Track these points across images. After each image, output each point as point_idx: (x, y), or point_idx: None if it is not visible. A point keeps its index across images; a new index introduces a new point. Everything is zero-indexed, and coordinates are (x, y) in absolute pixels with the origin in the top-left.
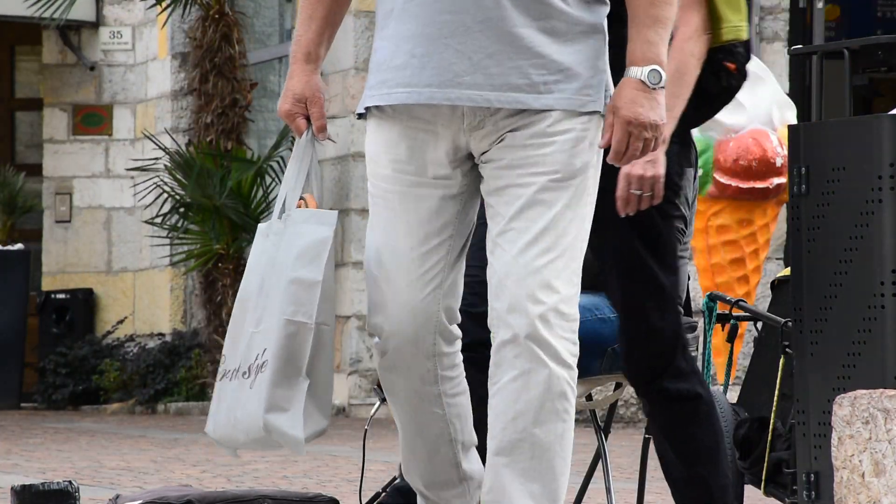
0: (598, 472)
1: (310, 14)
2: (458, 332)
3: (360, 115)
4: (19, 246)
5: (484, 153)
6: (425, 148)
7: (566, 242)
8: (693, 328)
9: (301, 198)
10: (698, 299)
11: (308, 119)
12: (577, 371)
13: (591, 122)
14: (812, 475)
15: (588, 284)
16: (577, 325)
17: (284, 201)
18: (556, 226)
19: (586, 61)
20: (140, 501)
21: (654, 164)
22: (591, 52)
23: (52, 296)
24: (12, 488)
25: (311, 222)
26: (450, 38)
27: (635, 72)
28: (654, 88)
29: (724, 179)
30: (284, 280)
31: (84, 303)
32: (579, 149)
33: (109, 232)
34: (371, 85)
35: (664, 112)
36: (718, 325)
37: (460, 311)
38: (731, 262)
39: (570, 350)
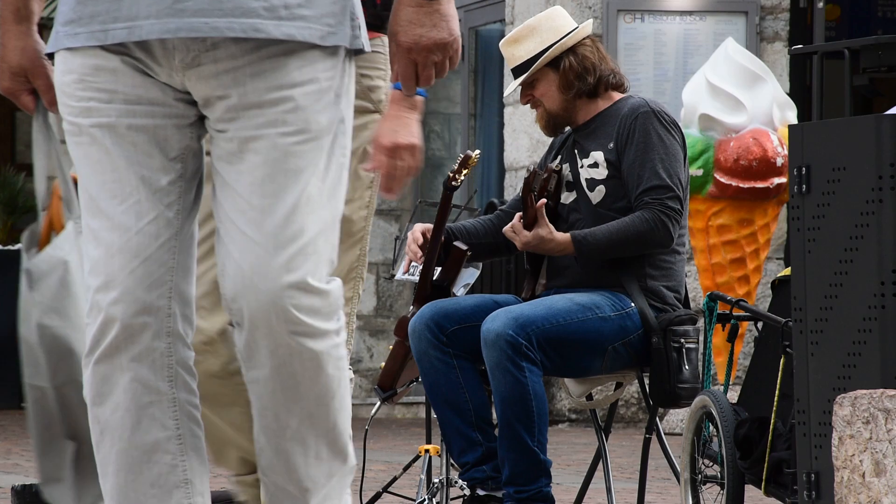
0: (599, 472)
1: None
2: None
3: (50, 55)
4: (19, 246)
5: (207, 104)
6: (140, 76)
7: (319, 217)
8: (693, 321)
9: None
10: (699, 299)
11: (36, 93)
12: (343, 328)
13: (337, 69)
14: (812, 475)
15: (588, 283)
16: (339, 302)
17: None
18: (307, 199)
19: None
20: None
21: (409, 133)
22: None
23: None
24: (12, 488)
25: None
26: None
27: None
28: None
29: (724, 179)
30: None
31: None
32: (325, 102)
33: None
34: (73, 19)
35: (454, 24)
36: (719, 325)
37: None
38: (731, 261)
39: (332, 327)
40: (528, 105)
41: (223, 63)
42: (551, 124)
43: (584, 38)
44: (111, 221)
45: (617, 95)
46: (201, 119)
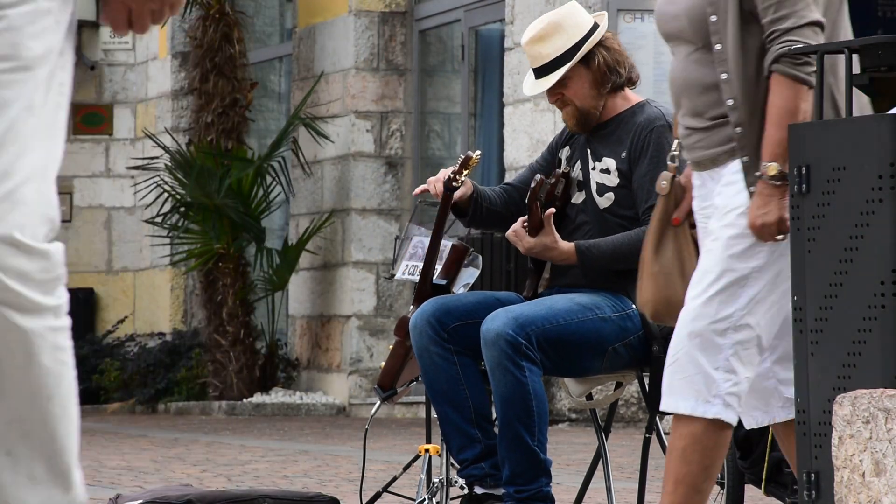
0: (599, 472)
1: None
2: None
3: None
4: None
5: None
6: None
7: (32, 161)
8: None
9: None
10: None
11: None
12: (65, 309)
13: None
14: (812, 475)
15: (590, 284)
16: (60, 272)
17: None
18: (15, 137)
19: None
20: (140, 501)
21: None
22: None
23: None
24: None
25: None
26: None
27: None
28: None
29: None
30: None
31: (84, 302)
32: (40, 27)
33: (110, 231)
34: None
35: None
36: None
37: None
38: None
39: (49, 303)
40: (556, 104)
41: None
42: (582, 121)
43: (605, 32)
44: None
45: (633, 97)
46: None
